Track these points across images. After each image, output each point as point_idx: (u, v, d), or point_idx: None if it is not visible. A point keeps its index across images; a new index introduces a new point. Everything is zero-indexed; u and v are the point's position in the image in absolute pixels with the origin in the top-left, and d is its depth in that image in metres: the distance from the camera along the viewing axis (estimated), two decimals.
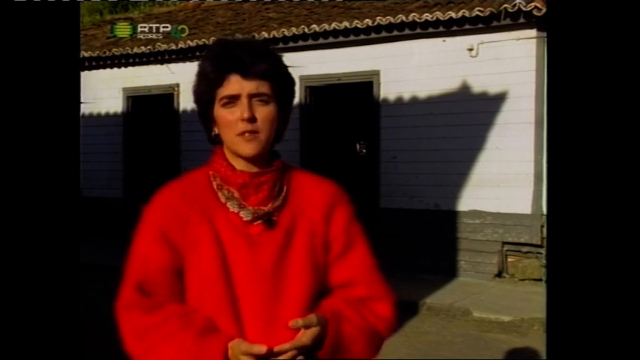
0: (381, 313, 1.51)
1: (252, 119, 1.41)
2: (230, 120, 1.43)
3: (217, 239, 1.44)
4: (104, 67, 10.84)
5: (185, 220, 1.46)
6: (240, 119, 1.41)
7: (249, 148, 1.43)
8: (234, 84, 1.42)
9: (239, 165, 1.48)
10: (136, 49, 10.21)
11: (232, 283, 1.42)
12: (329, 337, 1.40)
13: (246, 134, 1.42)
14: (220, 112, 1.44)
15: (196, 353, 1.36)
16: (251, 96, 1.42)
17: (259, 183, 1.46)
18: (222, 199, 1.47)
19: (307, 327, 1.37)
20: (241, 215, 1.45)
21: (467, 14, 7.62)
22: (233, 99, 1.42)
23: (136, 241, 1.49)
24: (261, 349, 1.32)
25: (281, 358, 1.34)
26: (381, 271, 1.54)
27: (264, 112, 1.43)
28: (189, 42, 9.60)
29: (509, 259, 7.82)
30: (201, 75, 1.47)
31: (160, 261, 1.45)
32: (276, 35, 8.87)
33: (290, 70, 1.52)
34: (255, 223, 1.46)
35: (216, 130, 1.49)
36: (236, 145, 1.44)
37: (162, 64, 10.25)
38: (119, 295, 1.47)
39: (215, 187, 1.49)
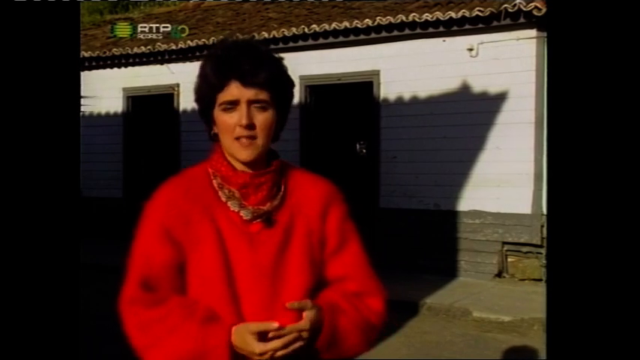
0: (373, 306, 1.55)
1: (250, 126, 1.45)
2: (229, 124, 1.46)
3: (219, 237, 1.47)
4: (104, 67, 10.83)
5: (187, 217, 1.48)
6: (238, 125, 1.45)
7: (245, 154, 1.47)
8: (234, 90, 1.45)
9: (239, 165, 1.50)
10: (136, 49, 10.21)
11: (233, 280, 1.45)
12: (325, 327, 1.44)
13: (243, 139, 1.45)
14: (220, 116, 1.47)
15: (202, 340, 1.40)
16: (250, 102, 1.45)
17: (259, 183, 1.49)
18: (223, 198, 1.50)
19: (302, 310, 1.41)
20: (241, 214, 1.48)
21: (467, 14, 7.61)
22: (232, 104, 1.45)
23: (138, 237, 1.51)
24: (274, 324, 1.37)
25: (284, 335, 1.38)
26: (372, 268, 1.59)
27: (262, 118, 1.46)
28: (189, 42, 9.60)
29: (509, 259, 7.82)
30: (202, 77, 1.50)
31: (163, 257, 1.47)
32: (276, 35, 8.87)
33: (290, 71, 1.53)
34: (254, 222, 1.48)
35: (215, 130, 1.52)
36: (233, 149, 1.48)
37: (162, 64, 10.24)
38: (122, 290, 1.49)
39: (216, 185, 1.51)
